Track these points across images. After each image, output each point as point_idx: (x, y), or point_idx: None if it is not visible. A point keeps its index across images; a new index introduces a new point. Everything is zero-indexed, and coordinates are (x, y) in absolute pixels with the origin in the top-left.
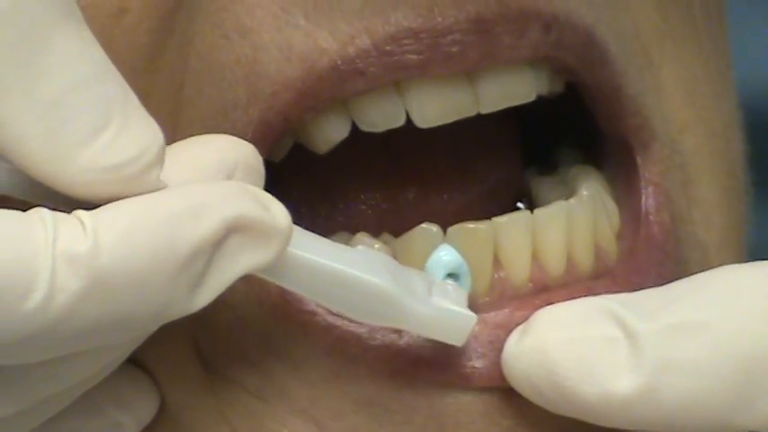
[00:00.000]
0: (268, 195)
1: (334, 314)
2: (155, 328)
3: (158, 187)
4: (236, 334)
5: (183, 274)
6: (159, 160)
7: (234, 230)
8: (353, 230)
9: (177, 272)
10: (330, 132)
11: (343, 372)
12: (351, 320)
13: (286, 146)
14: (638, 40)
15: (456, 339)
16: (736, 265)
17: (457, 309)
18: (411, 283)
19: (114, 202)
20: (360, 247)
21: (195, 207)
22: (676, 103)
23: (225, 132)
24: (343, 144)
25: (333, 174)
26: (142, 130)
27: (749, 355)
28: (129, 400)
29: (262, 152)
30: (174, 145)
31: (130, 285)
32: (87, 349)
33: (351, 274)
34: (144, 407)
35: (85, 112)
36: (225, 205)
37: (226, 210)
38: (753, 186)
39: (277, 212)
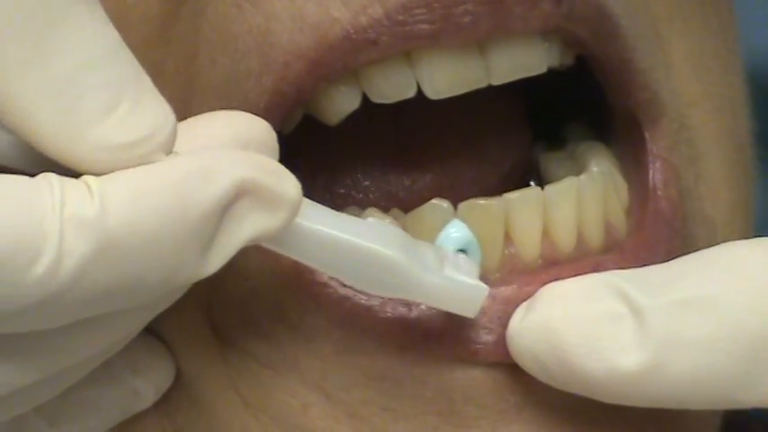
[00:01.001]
0: (278, 164)
1: (346, 286)
2: (171, 297)
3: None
4: (250, 304)
5: (192, 236)
6: (170, 140)
7: (243, 194)
8: (364, 206)
9: (187, 234)
10: (341, 103)
11: (354, 344)
12: (362, 293)
13: (297, 117)
14: (648, 14)
15: (468, 311)
16: (743, 241)
17: (468, 280)
18: (422, 255)
19: (123, 170)
20: (370, 220)
21: (205, 170)
22: (685, 77)
23: (238, 102)
24: (355, 120)
25: (344, 150)
26: (154, 109)
27: (755, 332)
28: (145, 368)
29: (274, 122)
30: (188, 120)
31: (140, 249)
32: (101, 318)
33: (361, 245)
34: (161, 375)
35: (98, 91)
36: (233, 168)
37: (234, 173)
38: (758, 161)
39: (287, 179)
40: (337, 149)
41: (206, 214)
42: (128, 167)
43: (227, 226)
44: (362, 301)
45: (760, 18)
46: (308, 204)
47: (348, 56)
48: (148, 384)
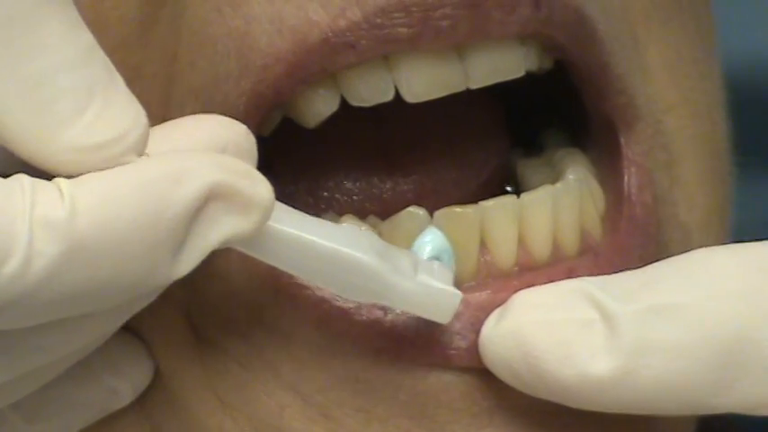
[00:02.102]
0: (250, 167)
1: (323, 289)
2: (143, 300)
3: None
4: (228, 305)
5: (163, 239)
6: (141, 142)
7: (214, 197)
8: (341, 212)
9: (158, 237)
10: (319, 106)
11: (330, 347)
12: (339, 296)
13: (275, 120)
14: (626, 19)
15: (441, 316)
16: (715, 247)
17: (442, 286)
18: (396, 260)
19: (95, 172)
20: (345, 225)
21: (175, 172)
22: (662, 83)
23: (217, 104)
24: (337, 124)
25: (326, 154)
26: (125, 112)
27: (727, 337)
28: (124, 367)
29: (253, 125)
30: (165, 124)
31: (110, 251)
32: (74, 320)
33: (335, 249)
34: (139, 374)
35: (69, 93)
36: (205, 171)
37: (206, 175)
38: (736, 167)
39: (259, 183)
40: (320, 154)
41: (177, 217)
42: (99, 169)
43: (199, 229)
44: (339, 304)
45: (738, 22)
46: (281, 208)
47: (326, 59)
48: (126, 383)
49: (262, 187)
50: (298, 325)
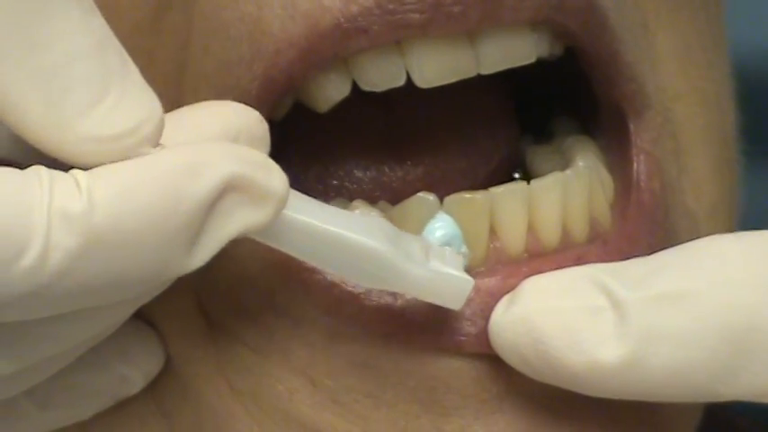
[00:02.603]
0: (265, 157)
1: (334, 274)
2: (156, 290)
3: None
4: (239, 290)
5: (179, 232)
6: (156, 133)
7: (230, 189)
8: (351, 198)
9: (174, 230)
10: (331, 91)
11: (340, 332)
12: (350, 282)
13: (287, 105)
14: (636, 7)
15: (453, 303)
16: (724, 235)
17: (454, 272)
18: (408, 247)
19: (111, 164)
20: (357, 212)
21: (192, 165)
22: (671, 71)
23: (229, 89)
24: (346, 112)
25: (330, 143)
26: (140, 102)
27: (735, 325)
28: (134, 355)
29: (265, 110)
30: (178, 111)
31: (126, 244)
32: (87, 310)
33: (347, 236)
34: (150, 361)
35: (84, 83)
36: (221, 163)
37: (222, 168)
38: (743, 156)
39: (274, 174)
40: (330, 141)
41: (193, 210)
42: (115, 160)
43: (214, 221)
44: (349, 289)
45: (747, 15)
46: (295, 196)
47: (338, 44)
48: (137, 371)
49: (277, 178)
50: (308, 310)
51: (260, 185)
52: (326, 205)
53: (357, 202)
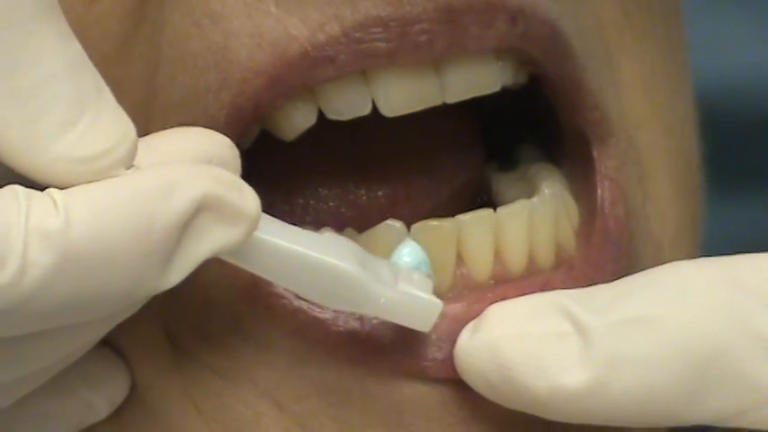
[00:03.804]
0: (237, 178)
1: (300, 299)
2: (129, 309)
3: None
4: (205, 315)
5: (154, 250)
6: (130, 155)
7: (203, 209)
8: (319, 226)
9: (149, 248)
10: (297, 119)
11: (307, 356)
12: (316, 306)
13: (254, 133)
14: (600, 35)
15: (422, 325)
16: (688, 261)
17: (423, 295)
18: (378, 269)
19: (87, 183)
20: (327, 234)
21: (167, 184)
22: (634, 98)
23: (197, 117)
24: (311, 140)
25: (299, 169)
26: (114, 124)
27: (699, 351)
28: (100, 381)
29: (233, 138)
30: (149, 136)
31: (103, 262)
32: (59, 329)
33: (318, 258)
34: (115, 387)
35: (59, 105)
36: (194, 183)
37: (195, 187)
38: (707, 183)
39: (246, 194)
40: (293, 170)
41: (167, 228)
42: (89, 180)
43: (188, 239)
44: (315, 314)
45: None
46: (265, 218)
47: (305, 73)
48: (102, 397)
49: (249, 198)
50: (274, 334)
51: (232, 205)
52: (296, 227)
53: (325, 230)
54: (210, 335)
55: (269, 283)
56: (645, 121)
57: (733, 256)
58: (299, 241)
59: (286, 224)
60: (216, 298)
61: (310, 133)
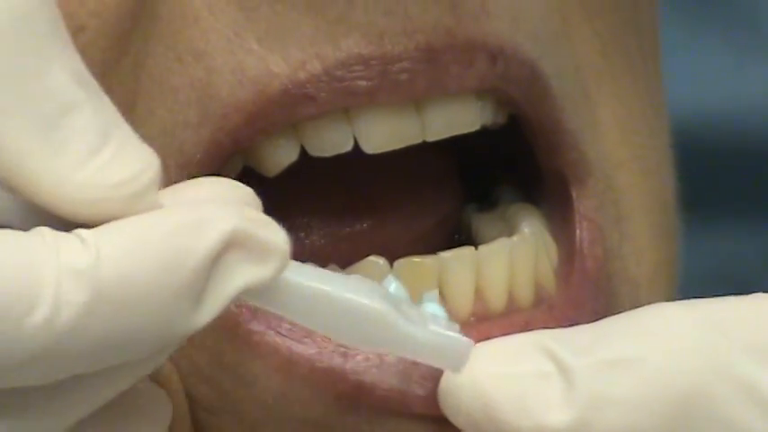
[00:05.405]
0: (265, 216)
1: (283, 335)
2: (162, 354)
3: (157, 208)
4: (189, 350)
5: (186, 287)
6: (155, 182)
7: (232, 245)
8: (300, 260)
9: (181, 285)
10: (279, 156)
11: (291, 392)
12: (299, 342)
13: (236, 168)
14: (578, 76)
15: (453, 365)
16: (671, 303)
17: (454, 335)
18: (407, 310)
19: (114, 221)
20: (353, 276)
21: (197, 220)
22: (613, 139)
23: (172, 152)
24: (293, 176)
25: (282, 205)
26: (138, 152)
27: (681, 393)
28: (143, 414)
29: (210, 172)
30: (177, 185)
31: (135, 300)
32: (89, 377)
33: (350, 299)
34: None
35: (83, 134)
36: (224, 219)
37: (225, 223)
38: (682, 223)
39: (275, 230)
40: (276, 205)
41: (198, 266)
42: (115, 212)
43: (218, 277)
44: (299, 351)
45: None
46: (291, 261)
47: (286, 110)
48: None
49: (278, 235)
50: (259, 370)
51: (262, 241)
52: (321, 269)
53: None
54: (196, 370)
55: (250, 321)
56: (623, 162)
57: (717, 300)
58: (327, 281)
59: (310, 265)
60: (199, 334)
61: (291, 170)
